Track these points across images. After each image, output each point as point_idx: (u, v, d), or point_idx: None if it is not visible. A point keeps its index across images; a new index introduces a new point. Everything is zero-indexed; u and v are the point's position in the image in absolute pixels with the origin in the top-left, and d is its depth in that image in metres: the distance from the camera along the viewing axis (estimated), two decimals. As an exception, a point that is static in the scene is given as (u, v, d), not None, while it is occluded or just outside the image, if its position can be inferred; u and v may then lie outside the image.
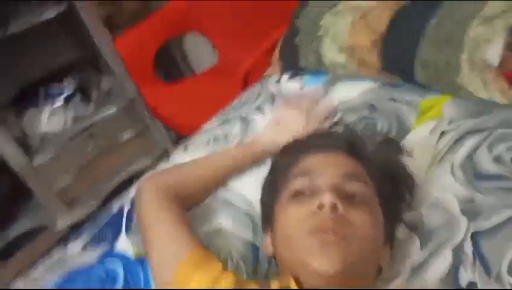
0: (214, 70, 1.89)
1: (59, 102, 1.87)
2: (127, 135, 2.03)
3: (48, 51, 1.88)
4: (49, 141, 1.82)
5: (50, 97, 1.87)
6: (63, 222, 1.89)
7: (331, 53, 1.08)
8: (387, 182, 0.68)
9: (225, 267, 0.66)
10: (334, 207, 0.57)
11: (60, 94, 1.87)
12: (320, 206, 0.58)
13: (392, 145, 0.76)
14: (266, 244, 0.69)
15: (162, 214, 0.72)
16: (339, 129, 0.79)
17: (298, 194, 0.63)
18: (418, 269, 0.67)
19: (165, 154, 2.12)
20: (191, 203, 0.82)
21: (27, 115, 1.84)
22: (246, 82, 1.33)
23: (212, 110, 1.46)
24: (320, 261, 0.55)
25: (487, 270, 0.64)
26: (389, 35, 1.00)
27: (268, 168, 0.79)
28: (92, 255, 0.84)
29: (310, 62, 1.13)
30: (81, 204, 1.95)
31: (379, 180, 0.66)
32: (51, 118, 1.83)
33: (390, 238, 0.67)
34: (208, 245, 0.78)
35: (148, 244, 0.71)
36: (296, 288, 0.57)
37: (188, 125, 1.64)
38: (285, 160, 0.72)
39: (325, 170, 0.64)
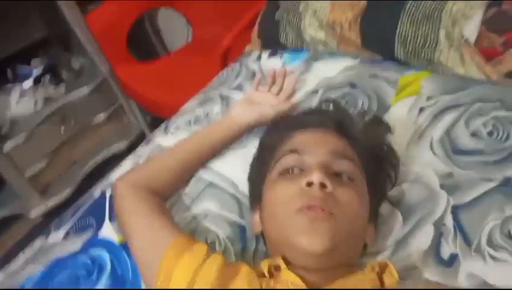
0: (190, 48, 1.85)
1: (28, 83, 1.80)
2: (100, 117, 1.99)
3: (16, 29, 1.80)
4: (19, 125, 1.76)
5: (18, 78, 1.81)
6: (37, 209, 1.85)
7: (312, 29, 1.07)
8: (373, 161, 0.69)
9: (212, 249, 0.67)
10: (322, 185, 0.58)
11: (29, 75, 1.80)
12: (309, 184, 0.58)
13: (381, 125, 0.77)
14: (254, 222, 0.70)
15: (140, 207, 0.72)
16: (328, 106, 0.79)
17: (287, 172, 0.63)
18: (401, 243, 0.69)
19: (141, 137, 2.09)
20: (169, 193, 0.82)
21: (-5, 98, 1.77)
22: (225, 59, 1.30)
23: (189, 89, 1.44)
24: (309, 239, 0.55)
25: (467, 242, 0.66)
26: (368, 12, 1.00)
27: (255, 148, 0.79)
28: (75, 243, 0.82)
29: (290, 38, 1.12)
30: (55, 190, 1.91)
31: (366, 159, 0.67)
32: (20, 100, 1.77)
33: (375, 216, 0.69)
34: (195, 228, 0.78)
35: (129, 239, 0.71)
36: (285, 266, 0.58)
37: (164, 105, 1.62)
38: (273, 137, 0.72)
39: (313, 148, 0.64)
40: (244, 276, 0.58)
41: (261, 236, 0.72)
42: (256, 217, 0.70)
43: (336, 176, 0.62)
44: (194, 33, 1.89)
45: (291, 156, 0.64)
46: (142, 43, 2.06)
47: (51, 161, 1.87)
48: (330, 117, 0.71)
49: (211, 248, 0.74)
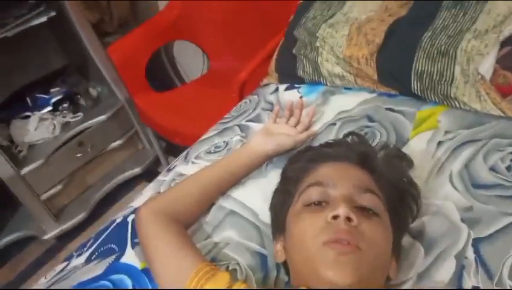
0: (205, 79, 1.90)
1: (47, 109, 1.85)
2: (116, 143, 2.02)
3: (37, 58, 1.86)
4: (37, 149, 1.80)
5: (38, 105, 1.85)
6: (51, 232, 1.86)
7: (329, 64, 1.11)
8: (395, 194, 0.70)
9: (234, 278, 0.68)
10: (348, 219, 0.59)
11: (48, 101, 1.85)
12: (335, 217, 0.60)
13: (403, 158, 0.79)
14: (277, 251, 0.71)
15: (163, 234, 0.74)
16: (351, 138, 0.81)
17: (312, 204, 0.65)
18: (423, 275, 0.70)
19: (155, 163, 2.12)
20: (190, 221, 0.84)
21: (14, 123, 1.81)
22: (242, 91, 1.33)
23: (204, 118, 1.47)
24: (336, 273, 0.56)
25: (489, 275, 0.67)
26: (385, 47, 1.03)
27: (275, 178, 0.80)
28: (97, 268, 0.84)
29: (308, 72, 1.16)
30: (69, 214, 1.93)
31: (389, 192, 0.69)
32: (38, 126, 1.81)
33: (397, 250, 0.69)
34: (216, 256, 0.79)
35: (152, 265, 0.73)
36: None
37: (179, 133, 1.65)
38: (297, 169, 0.74)
39: (338, 181, 0.65)
40: None
41: (283, 265, 0.72)
42: (279, 246, 0.71)
43: (360, 209, 0.63)
44: (210, 65, 1.94)
45: (316, 189, 0.66)
46: (160, 74, 2.11)
47: (66, 185, 1.89)
48: (354, 150, 0.73)
49: (233, 276, 0.76)
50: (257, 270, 0.76)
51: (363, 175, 0.68)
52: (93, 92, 2.00)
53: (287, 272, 0.71)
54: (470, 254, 0.70)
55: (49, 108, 1.85)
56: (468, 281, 0.67)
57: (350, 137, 0.82)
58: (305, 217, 0.63)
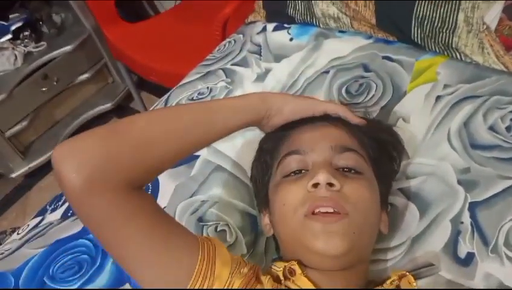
0: (181, 9, 1.75)
1: (6, 37, 1.68)
2: (84, 76, 1.89)
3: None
4: (-1, 82, 1.66)
5: (-5, 32, 1.68)
6: (19, 169, 1.78)
7: (323, 3, 1.01)
8: (376, 147, 0.66)
9: (223, 240, 0.64)
10: (329, 184, 0.55)
11: (8, 28, 1.68)
12: (316, 185, 0.56)
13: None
14: (265, 225, 0.67)
15: (134, 228, 0.51)
16: None
17: (291, 174, 0.60)
18: (418, 240, 0.69)
19: (127, 98, 2.01)
20: (152, 176, 0.57)
21: (-30, 53, 1.65)
22: (224, 28, 1.23)
23: (183, 55, 1.37)
24: (324, 243, 0.53)
25: (485, 241, 0.66)
26: (385, -11, 0.95)
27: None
28: (74, 224, 0.79)
29: (299, 11, 1.06)
30: (37, 150, 1.85)
31: (369, 144, 0.65)
32: (-2, 56, 1.65)
33: (386, 202, 0.67)
34: (203, 216, 0.75)
35: (134, 272, 0.53)
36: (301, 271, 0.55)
37: (156, 70, 1.55)
38: (272, 138, 0.68)
39: (315, 145, 0.61)
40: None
41: (273, 238, 0.68)
42: (266, 219, 0.67)
43: (341, 171, 0.59)
44: (185, -7, 1.78)
45: (293, 157, 0.61)
46: (131, 2, 1.93)
47: (32, 121, 1.78)
48: None
49: (221, 236, 0.73)
50: (247, 231, 0.74)
51: (340, 133, 0.63)
52: (57, 18, 1.83)
53: (277, 247, 0.68)
54: (466, 218, 0.68)
55: (9, 36, 1.68)
56: (464, 247, 0.66)
57: None
58: (285, 190, 0.59)
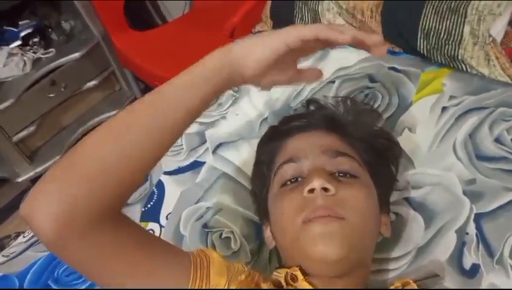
0: (189, 18, 1.77)
1: (16, 43, 1.70)
2: (91, 83, 1.90)
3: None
4: (7, 88, 1.68)
5: (6, 38, 1.71)
6: (25, 174, 1.79)
7: (330, 14, 1.03)
8: (370, 151, 0.66)
9: (227, 247, 0.64)
10: (325, 189, 0.56)
11: (17, 35, 1.70)
12: (312, 191, 0.56)
13: (368, 110, 0.77)
14: (267, 237, 0.67)
15: (116, 267, 0.49)
16: (313, 106, 0.77)
17: (288, 182, 0.61)
18: (423, 250, 0.69)
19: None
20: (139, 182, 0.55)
21: (-20, 59, 1.67)
22: (232, 37, 1.24)
23: (189, 63, 1.37)
24: (323, 249, 0.53)
25: (490, 253, 0.66)
26: (391, 0, 0.95)
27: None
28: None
29: (306, 21, 1.07)
30: (43, 155, 1.86)
31: (363, 148, 0.65)
32: (7, 62, 1.67)
33: (386, 207, 0.68)
34: (208, 222, 0.76)
35: None
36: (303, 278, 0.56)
37: (162, 78, 1.56)
38: (266, 150, 0.70)
39: (308, 152, 0.62)
40: None
41: (275, 251, 0.68)
42: (268, 232, 0.67)
43: (336, 175, 0.60)
44: (193, 3, 1.81)
45: (288, 166, 0.62)
46: (139, 10, 1.96)
47: (39, 126, 1.80)
48: (317, 115, 0.69)
49: (226, 244, 0.73)
50: (252, 239, 0.74)
51: (332, 139, 0.64)
52: (66, 25, 1.85)
53: (279, 259, 0.68)
54: (472, 229, 0.68)
55: (18, 42, 1.71)
56: (469, 258, 0.66)
57: (311, 106, 0.77)
58: (282, 199, 0.60)
